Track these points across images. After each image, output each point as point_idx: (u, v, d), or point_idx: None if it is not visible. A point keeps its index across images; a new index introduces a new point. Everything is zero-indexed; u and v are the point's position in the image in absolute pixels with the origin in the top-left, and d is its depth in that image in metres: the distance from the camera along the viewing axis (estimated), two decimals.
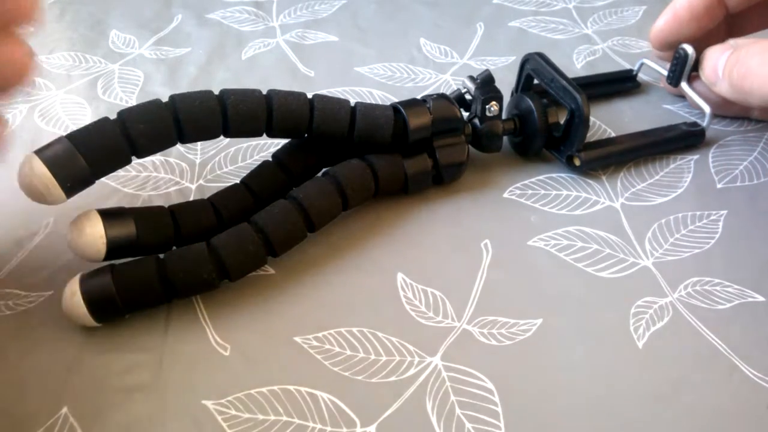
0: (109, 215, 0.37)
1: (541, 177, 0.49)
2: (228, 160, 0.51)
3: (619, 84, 0.59)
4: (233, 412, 0.35)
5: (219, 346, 0.38)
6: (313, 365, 0.37)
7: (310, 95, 0.42)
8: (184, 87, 0.59)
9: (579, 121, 0.45)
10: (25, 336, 0.38)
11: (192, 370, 0.37)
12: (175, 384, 0.36)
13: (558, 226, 0.45)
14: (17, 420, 0.34)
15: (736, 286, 0.41)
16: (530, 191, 0.48)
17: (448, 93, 0.47)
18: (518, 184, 0.48)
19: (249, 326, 0.39)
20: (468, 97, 0.48)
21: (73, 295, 0.36)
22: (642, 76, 0.59)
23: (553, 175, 0.49)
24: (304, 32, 0.64)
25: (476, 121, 0.47)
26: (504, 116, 0.49)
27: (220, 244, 0.38)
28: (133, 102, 0.57)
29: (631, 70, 0.60)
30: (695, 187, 0.48)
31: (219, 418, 0.34)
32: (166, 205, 0.41)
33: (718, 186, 0.48)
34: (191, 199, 0.47)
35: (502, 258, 0.43)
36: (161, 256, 0.38)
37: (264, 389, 0.36)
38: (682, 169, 0.50)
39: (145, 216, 0.39)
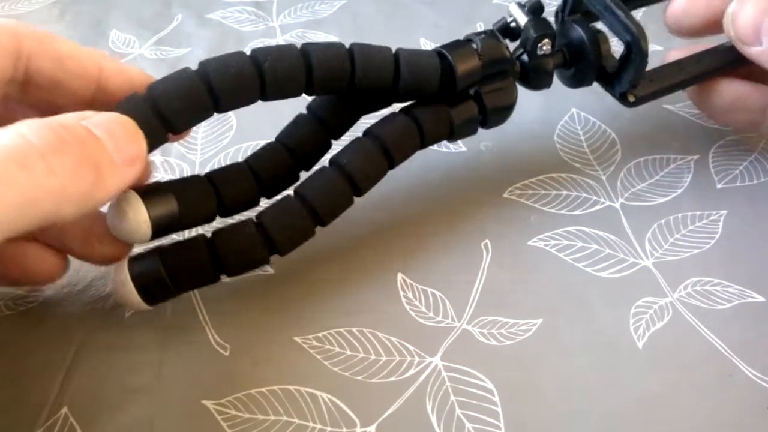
0: (148, 194, 0.34)
1: (541, 177, 0.49)
2: (228, 160, 0.51)
3: None
4: (233, 412, 0.35)
5: (219, 346, 0.38)
6: (313, 365, 0.37)
7: (347, 45, 0.38)
8: None
9: (636, 57, 0.41)
10: (25, 336, 0.38)
11: (192, 370, 0.37)
12: (175, 384, 0.36)
13: (558, 226, 0.45)
14: (17, 420, 0.34)
15: (736, 286, 0.41)
16: (530, 191, 0.48)
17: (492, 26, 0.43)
18: (518, 184, 0.48)
19: (249, 326, 0.39)
20: (513, 25, 0.43)
21: (123, 284, 0.35)
22: None
23: (553, 175, 0.49)
24: (304, 32, 0.64)
25: (524, 56, 0.42)
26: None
27: (267, 221, 0.36)
28: None
29: None
30: (695, 187, 0.48)
31: (219, 418, 0.34)
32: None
33: (718, 186, 0.48)
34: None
35: (502, 258, 0.43)
36: (208, 235, 0.37)
37: (264, 389, 0.36)
38: (682, 169, 0.50)
39: (185, 189, 0.36)
